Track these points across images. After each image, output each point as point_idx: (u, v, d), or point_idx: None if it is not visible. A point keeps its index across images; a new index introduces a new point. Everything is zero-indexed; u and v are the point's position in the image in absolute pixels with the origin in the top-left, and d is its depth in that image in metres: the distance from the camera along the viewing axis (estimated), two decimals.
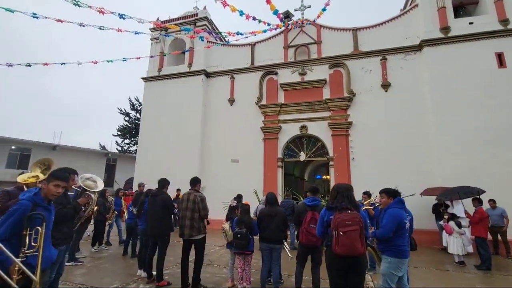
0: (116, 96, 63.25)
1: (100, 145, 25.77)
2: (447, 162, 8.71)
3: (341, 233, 2.61)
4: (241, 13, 6.55)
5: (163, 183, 4.80)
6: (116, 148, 26.06)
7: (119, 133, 26.47)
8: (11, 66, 6.98)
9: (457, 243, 6.41)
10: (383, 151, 9.58)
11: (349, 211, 2.71)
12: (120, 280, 4.59)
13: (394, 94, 9.96)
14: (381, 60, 10.30)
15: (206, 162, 11.70)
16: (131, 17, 5.59)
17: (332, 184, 10.09)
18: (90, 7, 4.95)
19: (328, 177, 11.73)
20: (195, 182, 4.60)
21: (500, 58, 8.91)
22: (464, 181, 7.60)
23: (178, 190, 10.11)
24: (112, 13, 5.35)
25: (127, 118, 26.67)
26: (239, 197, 7.56)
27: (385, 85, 10.06)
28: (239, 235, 4.00)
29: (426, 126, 9.30)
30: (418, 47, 9.91)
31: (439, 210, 8.31)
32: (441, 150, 8.88)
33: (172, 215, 4.87)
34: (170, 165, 11.35)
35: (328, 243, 2.83)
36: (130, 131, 25.81)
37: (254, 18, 7.17)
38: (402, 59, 10.12)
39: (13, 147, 17.01)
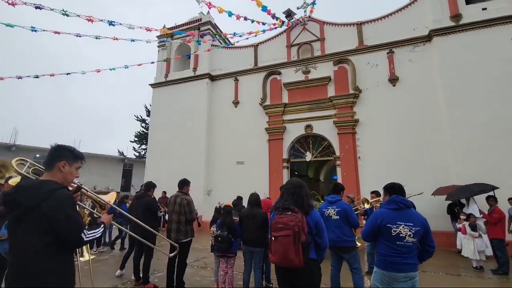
0: (135, 103, 65.95)
1: (119, 151, 26.79)
2: (462, 159, 8.11)
3: (273, 238, 2.24)
4: (230, 14, 6.50)
5: (149, 186, 4.85)
6: (134, 154, 27.01)
7: (136, 139, 27.39)
8: (21, 78, 7.44)
9: (468, 245, 5.89)
10: (392, 148, 9.12)
11: (289, 212, 2.25)
12: (111, 283, 4.63)
13: (402, 88, 9.47)
14: (387, 53, 9.85)
15: (212, 165, 11.75)
16: (120, 24, 5.74)
17: None
18: (78, 16, 5.17)
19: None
20: (183, 184, 4.53)
21: None
22: (481, 178, 7.04)
23: None
24: (101, 20, 5.53)
25: (143, 125, 27.55)
26: (239, 199, 7.50)
27: (393, 80, 9.60)
28: (219, 238, 3.90)
29: (438, 121, 8.74)
30: (427, 38, 9.37)
31: (454, 211, 7.74)
32: (455, 146, 8.29)
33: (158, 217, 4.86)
34: (177, 169, 11.49)
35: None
36: (146, 137, 26.56)
37: (245, 18, 7.10)
38: (411, 51, 9.61)
39: (37, 155, 18.08)
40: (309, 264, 2.20)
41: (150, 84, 13.65)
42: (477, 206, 6.43)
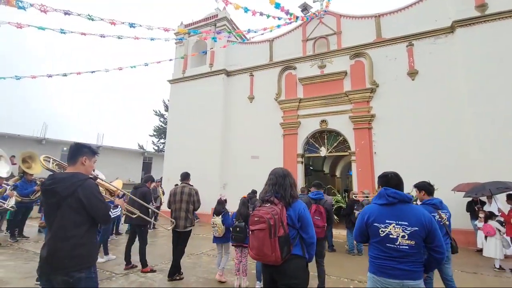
0: (155, 98, 67.92)
1: (139, 145, 27.82)
2: (485, 155, 7.82)
3: (250, 232, 2.08)
4: (246, 10, 6.58)
5: (147, 178, 5.25)
6: (153, 148, 27.95)
7: (154, 133, 28.32)
8: (51, 76, 7.96)
9: (499, 245, 5.68)
10: (410, 144, 8.93)
11: (268, 204, 2.07)
12: (110, 269, 4.87)
13: (422, 82, 9.20)
14: (407, 46, 9.57)
15: (227, 159, 12.02)
16: (140, 25, 6.03)
17: (354, 181, 9.72)
18: (102, 19, 5.48)
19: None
20: (186, 176, 4.82)
21: None
22: (507, 175, 6.79)
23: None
24: (123, 23, 5.83)
25: (162, 119, 28.41)
26: (253, 193, 7.71)
27: (412, 73, 9.34)
28: (238, 229, 4.10)
29: (460, 116, 8.45)
30: (450, 29, 9.01)
31: (473, 208, 7.53)
32: (478, 142, 8.00)
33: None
34: (194, 162, 11.87)
35: None
36: (165, 131, 27.38)
37: (261, 14, 7.16)
38: (431, 44, 9.28)
39: (64, 148, 19.17)
40: (291, 260, 1.99)
41: (168, 80, 14.06)
42: (496, 204, 6.24)
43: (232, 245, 4.28)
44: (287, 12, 7.17)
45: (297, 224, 2.06)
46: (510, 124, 7.62)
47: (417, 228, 1.96)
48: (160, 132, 27.96)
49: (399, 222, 2.00)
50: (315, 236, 2.15)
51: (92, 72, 8.13)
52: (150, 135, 28.75)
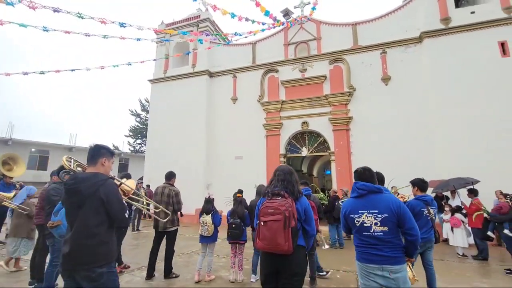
0: (131, 98, 65.34)
1: (114, 145, 26.75)
2: (451, 155, 8.67)
3: (262, 223, 2.19)
4: (233, 16, 6.78)
5: (123, 177, 5.17)
6: (129, 148, 27.01)
7: (131, 133, 27.37)
8: (27, 74, 7.54)
9: (462, 235, 6.41)
10: (384, 144, 9.63)
11: (279, 198, 2.21)
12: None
13: (394, 87, 9.97)
14: (381, 54, 10.31)
15: (211, 160, 12.09)
16: (131, 25, 5.98)
17: (334, 179, 10.26)
18: (92, 18, 5.38)
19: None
20: (170, 176, 4.81)
21: (503, 46, 8.76)
22: (468, 173, 7.56)
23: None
24: (113, 22, 5.75)
25: (138, 119, 27.56)
26: (240, 192, 7.92)
27: (385, 79, 10.09)
28: (233, 225, 4.30)
29: (428, 119, 9.28)
30: (419, 39, 9.86)
31: (440, 203, 8.33)
32: (444, 143, 8.86)
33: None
34: (177, 163, 11.74)
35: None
36: (141, 132, 26.64)
37: (247, 19, 7.39)
38: (403, 52, 10.09)
39: (33, 150, 18.03)
40: (297, 250, 2.16)
41: (149, 80, 13.80)
42: (459, 198, 7.01)
43: (229, 243, 4.45)
44: (275, 19, 7.46)
45: (303, 217, 2.26)
46: (472, 126, 8.53)
47: (387, 215, 2.16)
48: (137, 133, 27.11)
49: (371, 211, 2.22)
50: (315, 229, 2.40)
51: (72, 70, 7.84)
52: (126, 136, 27.74)
